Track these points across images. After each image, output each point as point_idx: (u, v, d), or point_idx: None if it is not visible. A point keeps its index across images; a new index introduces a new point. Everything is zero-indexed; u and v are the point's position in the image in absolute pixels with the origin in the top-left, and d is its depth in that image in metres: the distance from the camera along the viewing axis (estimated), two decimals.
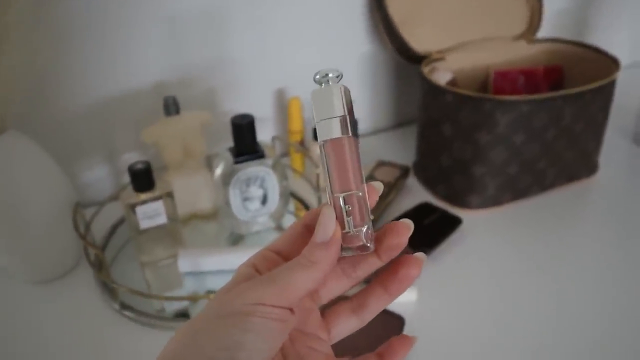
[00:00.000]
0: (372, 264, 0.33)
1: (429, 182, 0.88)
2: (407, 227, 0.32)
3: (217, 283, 0.71)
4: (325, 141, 0.31)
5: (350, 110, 0.31)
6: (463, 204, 0.83)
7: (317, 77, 0.31)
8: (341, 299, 0.35)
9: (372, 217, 0.32)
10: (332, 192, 0.31)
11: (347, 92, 0.31)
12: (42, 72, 0.80)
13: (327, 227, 0.30)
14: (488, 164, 0.79)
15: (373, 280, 0.34)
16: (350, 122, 0.31)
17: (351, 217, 0.31)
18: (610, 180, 0.90)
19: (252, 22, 0.89)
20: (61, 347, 0.63)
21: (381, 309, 0.34)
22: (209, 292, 0.63)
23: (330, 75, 0.31)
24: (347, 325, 0.34)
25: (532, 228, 0.80)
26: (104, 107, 0.86)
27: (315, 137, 0.86)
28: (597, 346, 0.61)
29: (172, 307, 0.68)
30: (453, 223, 0.78)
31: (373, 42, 1.01)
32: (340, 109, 0.31)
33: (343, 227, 0.31)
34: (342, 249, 0.31)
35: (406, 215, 0.79)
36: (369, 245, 0.31)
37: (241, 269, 0.33)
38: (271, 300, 0.29)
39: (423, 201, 0.83)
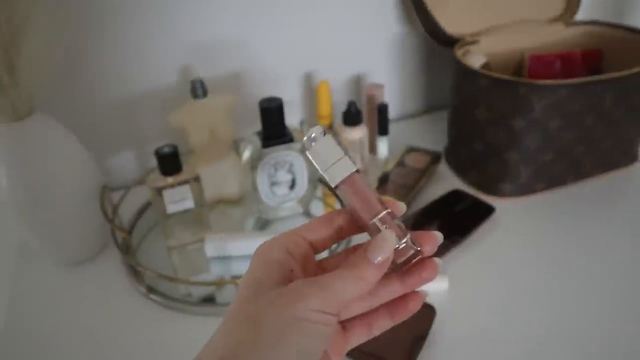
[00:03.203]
0: (394, 292, 0.35)
1: (461, 169, 0.85)
2: (436, 237, 0.34)
3: (244, 268, 0.70)
4: (338, 184, 0.34)
5: (345, 150, 0.34)
6: (496, 191, 0.80)
7: (306, 140, 0.34)
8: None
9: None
10: (366, 221, 0.33)
11: (336, 138, 0.34)
12: (69, 55, 0.79)
13: (387, 252, 0.32)
14: (522, 151, 0.76)
15: (381, 305, 0.36)
16: (350, 159, 0.34)
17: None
18: None
19: (281, 4, 0.87)
20: (87, 328, 0.64)
21: (387, 328, 0.36)
22: (235, 277, 0.62)
23: (314, 134, 0.34)
24: (359, 339, 0.36)
25: (567, 218, 0.77)
26: (131, 90, 0.85)
27: (344, 122, 0.84)
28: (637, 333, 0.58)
29: (199, 291, 0.68)
30: (485, 211, 0.76)
31: (403, 25, 0.98)
32: (339, 153, 0.34)
33: None
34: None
35: (437, 202, 0.78)
36: (418, 248, 0.33)
37: (275, 254, 0.33)
38: (330, 308, 0.30)
39: (454, 188, 0.81)
